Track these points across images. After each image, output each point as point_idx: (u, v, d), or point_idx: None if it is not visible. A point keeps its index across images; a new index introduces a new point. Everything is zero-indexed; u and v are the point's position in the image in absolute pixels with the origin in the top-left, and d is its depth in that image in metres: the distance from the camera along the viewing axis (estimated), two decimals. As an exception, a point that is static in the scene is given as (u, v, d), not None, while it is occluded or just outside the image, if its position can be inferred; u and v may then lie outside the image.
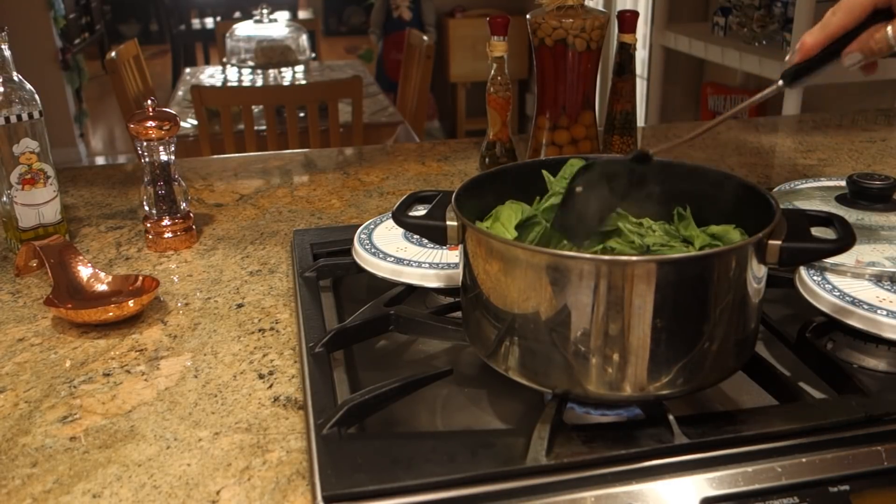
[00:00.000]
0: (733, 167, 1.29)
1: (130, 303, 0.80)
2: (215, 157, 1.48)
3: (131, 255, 0.99)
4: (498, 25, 1.12)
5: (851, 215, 0.81)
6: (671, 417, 0.58)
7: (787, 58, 0.63)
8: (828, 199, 0.86)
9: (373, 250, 0.83)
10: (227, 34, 3.30)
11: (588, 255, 0.58)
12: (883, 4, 0.58)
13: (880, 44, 0.60)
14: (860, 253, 0.73)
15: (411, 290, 0.81)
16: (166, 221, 0.99)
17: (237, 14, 5.41)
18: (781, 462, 0.57)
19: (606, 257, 0.57)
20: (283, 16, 4.15)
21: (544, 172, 0.70)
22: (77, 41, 5.11)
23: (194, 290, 0.89)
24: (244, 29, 3.28)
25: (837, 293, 0.70)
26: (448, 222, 0.64)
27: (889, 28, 0.59)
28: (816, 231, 0.60)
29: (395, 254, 0.82)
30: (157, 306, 0.85)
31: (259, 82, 3.22)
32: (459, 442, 0.58)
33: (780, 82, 0.63)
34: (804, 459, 0.57)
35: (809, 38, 0.62)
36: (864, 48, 0.61)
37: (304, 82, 3.15)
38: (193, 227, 1.02)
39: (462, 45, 4.89)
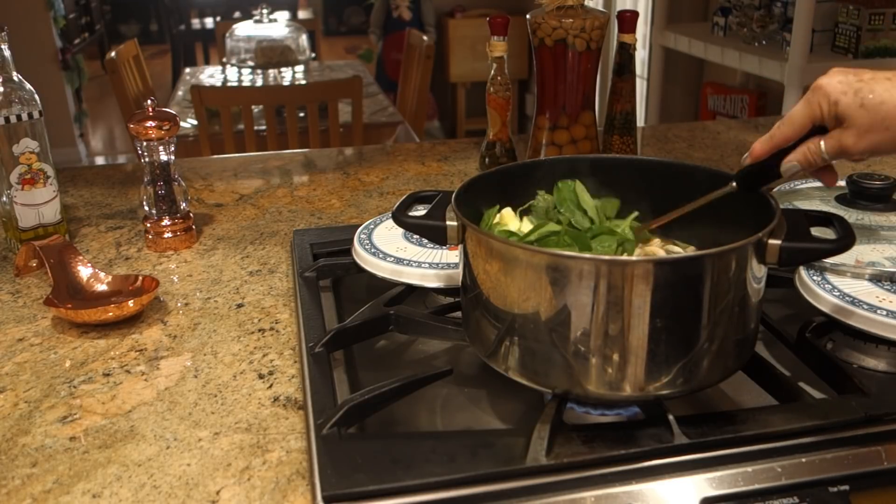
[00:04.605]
0: (733, 167, 1.29)
1: (130, 303, 0.80)
2: (215, 157, 1.48)
3: (131, 255, 0.99)
4: (498, 25, 1.12)
5: (851, 215, 0.81)
6: (671, 417, 0.58)
7: (743, 157, 0.67)
8: (828, 199, 0.86)
9: (373, 250, 0.83)
10: (227, 34, 3.30)
11: (588, 256, 0.58)
12: (820, 122, 0.63)
13: (814, 154, 0.64)
14: (860, 253, 0.73)
15: (411, 290, 0.81)
16: (166, 221, 0.99)
17: (237, 14, 5.40)
18: (781, 462, 0.57)
19: (606, 257, 0.57)
20: (283, 16, 4.15)
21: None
22: (77, 41, 5.11)
23: (194, 290, 0.89)
24: (244, 29, 3.28)
25: (837, 293, 0.70)
26: (448, 222, 0.64)
27: (822, 142, 0.63)
28: (816, 231, 0.60)
29: (395, 254, 0.82)
30: (157, 306, 0.85)
31: (259, 82, 3.22)
32: (459, 442, 0.58)
33: (734, 183, 0.67)
34: (804, 459, 0.57)
35: (759, 146, 0.66)
36: (801, 158, 0.65)
37: (304, 82, 3.15)
38: (193, 227, 1.02)
39: (462, 45, 4.88)
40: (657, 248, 0.69)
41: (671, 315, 0.55)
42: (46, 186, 0.96)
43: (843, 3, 2.29)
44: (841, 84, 0.61)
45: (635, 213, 0.70)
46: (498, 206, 0.69)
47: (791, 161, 0.65)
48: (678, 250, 0.69)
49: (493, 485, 0.54)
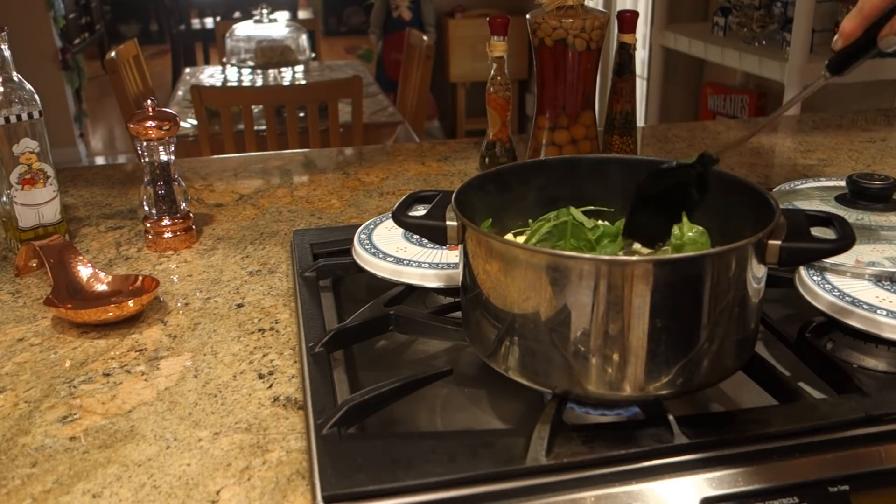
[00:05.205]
0: (733, 167, 1.29)
1: (130, 303, 0.80)
2: (215, 157, 1.48)
3: (131, 255, 0.99)
4: (498, 25, 1.12)
5: (851, 215, 0.81)
6: (671, 417, 0.58)
7: (833, 41, 0.60)
8: (828, 199, 0.86)
9: (373, 250, 0.83)
10: (227, 34, 3.30)
11: (588, 256, 0.58)
12: None
13: None
14: (860, 253, 0.73)
15: (411, 290, 0.81)
16: (166, 221, 0.99)
17: (237, 14, 5.40)
18: (781, 462, 0.57)
19: (606, 257, 0.57)
20: (283, 16, 4.15)
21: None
22: (77, 41, 5.11)
23: (194, 290, 0.89)
24: (244, 29, 3.28)
25: (837, 293, 0.70)
26: (448, 222, 0.64)
27: None
28: (816, 231, 0.60)
29: (395, 254, 0.82)
30: (157, 306, 0.85)
31: (259, 82, 3.22)
32: (459, 442, 0.58)
33: (826, 73, 0.61)
34: (804, 459, 0.57)
35: (848, 23, 0.59)
36: None
37: (304, 82, 3.15)
38: (193, 227, 1.02)
39: (462, 45, 4.89)
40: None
41: (671, 315, 0.55)
42: (46, 186, 0.96)
43: (843, 3, 2.29)
44: None
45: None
46: (490, 220, 0.69)
47: (888, 34, 0.58)
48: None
49: (493, 485, 0.54)
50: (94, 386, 0.71)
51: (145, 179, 0.98)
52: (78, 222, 1.10)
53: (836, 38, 0.60)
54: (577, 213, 0.68)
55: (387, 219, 0.91)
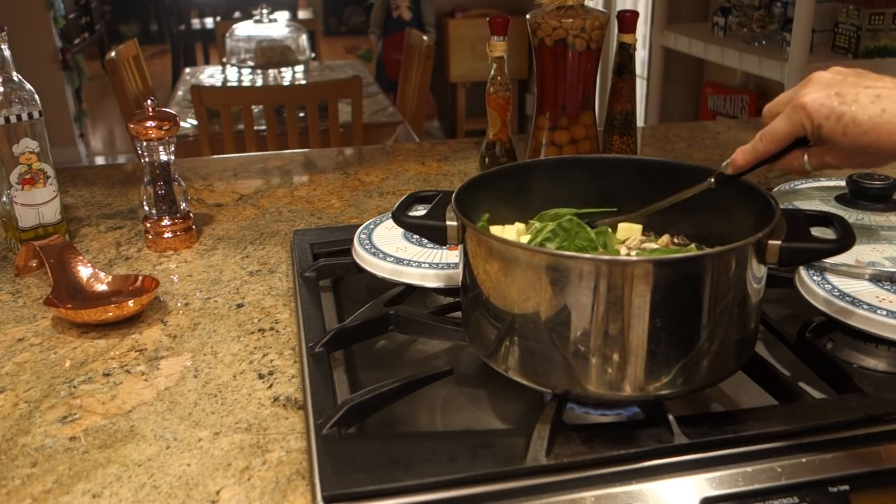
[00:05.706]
0: (733, 167, 1.29)
1: (130, 303, 0.80)
2: (215, 157, 1.48)
3: (131, 255, 0.99)
4: (498, 25, 1.12)
5: (851, 215, 0.81)
6: (671, 417, 0.58)
7: (724, 164, 0.69)
8: (828, 199, 0.86)
9: (373, 250, 0.83)
10: (227, 34, 3.30)
11: (588, 256, 0.58)
12: (802, 134, 0.66)
13: (798, 168, 0.68)
14: (860, 253, 0.73)
15: (411, 290, 0.81)
16: (166, 221, 0.99)
17: (237, 14, 5.40)
18: (781, 462, 0.57)
19: (606, 257, 0.57)
20: (283, 16, 4.15)
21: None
22: (77, 41, 5.11)
23: (194, 290, 0.89)
24: (244, 29, 3.28)
25: (837, 293, 0.70)
26: (448, 222, 0.64)
27: (805, 156, 0.67)
28: (816, 231, 0.60)
29: (394, 254, 0.82)
30: (157, 306, 0.85)
31: (259, 82, 3.22)
32: (459, 442, 0.58)
33: (712, 180, 0.69)
34: (804, 459, 0.57)
35: (742, 157, 0.68)
36: (785, 168, 0.69)
37: (304, 82, 3.15)
38: (193, 227, 1.02)
39: (462, 45, 4.89)
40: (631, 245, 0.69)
41: (671, 315, 0.55)
42: (46, 186, 0.96)
43: (843, 3, 2.29)
44: (823, 107, 0.63)
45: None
46: (487, 216, 0.69)
47: (776, 170, 0.70)
48: (653, 246, 0.69)
49: (493, 485, 0.54)
50: (94, 386, 0.71)
51: (145, 179, 0.98)
52: (78, 222, 1.10)
53: (726, 163, 0.69)
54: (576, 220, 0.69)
55: (387, 219, 0.91)
